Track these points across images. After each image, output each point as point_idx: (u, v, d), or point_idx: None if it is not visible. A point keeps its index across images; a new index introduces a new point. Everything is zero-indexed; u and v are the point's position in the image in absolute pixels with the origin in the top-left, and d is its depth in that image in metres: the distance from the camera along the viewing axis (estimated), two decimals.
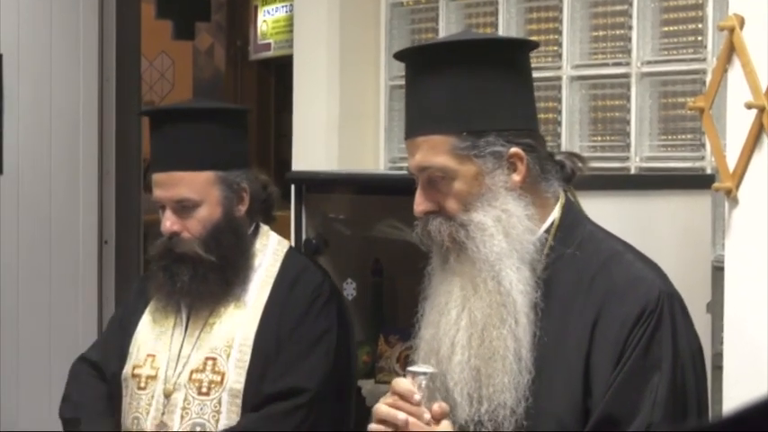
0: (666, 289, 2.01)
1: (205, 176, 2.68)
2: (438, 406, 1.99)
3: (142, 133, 5.10)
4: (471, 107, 2.05)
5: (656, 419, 1.91)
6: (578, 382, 1.96)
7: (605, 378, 1.95)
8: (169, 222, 2.67)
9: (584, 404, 1.96)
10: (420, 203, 2.08)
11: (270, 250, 2.78)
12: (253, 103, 8.51)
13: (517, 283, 1.99)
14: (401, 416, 1.98)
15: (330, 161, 4.05)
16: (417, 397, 1.99)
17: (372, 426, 2.02)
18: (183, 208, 2.67)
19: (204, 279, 2.67)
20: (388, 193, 3.23)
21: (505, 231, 2.01)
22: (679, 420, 1.92)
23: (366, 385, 3.30)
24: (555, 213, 2.08)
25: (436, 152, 2.05)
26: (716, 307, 2.95)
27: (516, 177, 2.04)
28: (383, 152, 4.17)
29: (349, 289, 3.37)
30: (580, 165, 2.17)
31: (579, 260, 2.04)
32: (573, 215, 2.11)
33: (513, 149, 2.04)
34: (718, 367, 2.84)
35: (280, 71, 8.07)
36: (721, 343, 2.75)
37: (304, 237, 3.34)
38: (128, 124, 5.02)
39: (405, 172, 3.61)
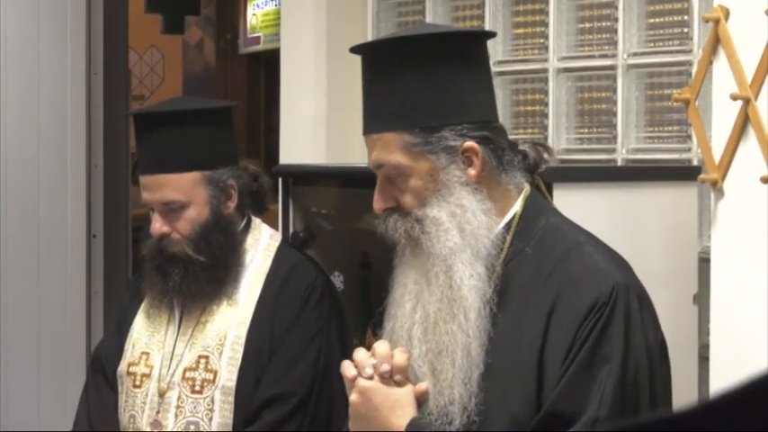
0: (624, 281, 1.96)
1: (191, 177, 2.68)
2: (401, 355, 1.99)
3: (130, 127, 5.09)
4: (423, 103, 2.02)
5: (602, 415, 1.86)
6: (532, 378, 1.93)
7: (555, 372, 1.91)
8: (158, 224, 2.68)
9: (538, 399, 1.92)
10: (378, 201, 2.08)
11: (261, 245, 2.78)
12: (242, 97, 8.50)
13: (468, 279, 1.96)
14: (352, 372, 2.01)
15: (318, 154, 4.05)
16: (369, 371, 2.00)
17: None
18: (171, 210, 2.68)
19: (195, 278, 2.68)
20: (375, 186, 3.21)
21: (460, 227, 1.99)
22: (628, 416, 1.86)
23: None
24: (517, 206, 2.05)
25: (390, 150, 2.03)
26: (702, 298, 2.95)
27: (472, 171, 2.01)
28: None
29: (336, 282, 3.36)
30: (545, 155, 2.13)
31: (538, 254, 2.01)
32: (536, 207, 2.07)
33: (467, 144, 2.01)
34: (704, 359, 2.84)
35: (269, 65, 8.06)
36: (708, 334, 2.75)
37: (291, 230, 3.34)
38: (116, 118, 5.02)
39: None
